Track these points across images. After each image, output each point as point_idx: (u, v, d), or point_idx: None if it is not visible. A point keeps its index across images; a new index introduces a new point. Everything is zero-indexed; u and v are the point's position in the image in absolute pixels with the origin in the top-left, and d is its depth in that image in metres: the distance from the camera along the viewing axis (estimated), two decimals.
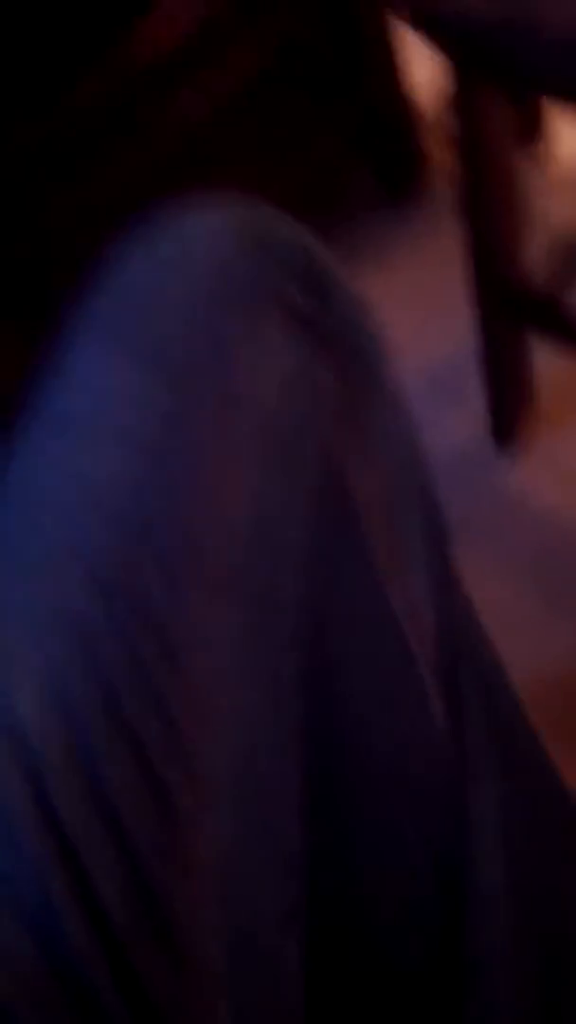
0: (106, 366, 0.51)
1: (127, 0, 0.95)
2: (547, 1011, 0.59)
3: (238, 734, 0.46)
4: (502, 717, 0.64)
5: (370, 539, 0.54)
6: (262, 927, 0.47)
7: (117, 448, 0.48)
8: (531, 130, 1.27)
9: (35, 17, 0.94)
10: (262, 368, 0.50)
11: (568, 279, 0.99)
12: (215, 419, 0.49)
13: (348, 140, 1.22)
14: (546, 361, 1.09)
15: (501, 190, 0.85)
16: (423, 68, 0.73)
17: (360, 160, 1.28)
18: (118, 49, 0.95)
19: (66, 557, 0.45)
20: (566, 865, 0.66)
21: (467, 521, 1.11)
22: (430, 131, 1.27)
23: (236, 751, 0.45)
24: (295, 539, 0.51)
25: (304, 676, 0.52)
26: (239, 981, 0.44)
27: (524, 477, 1.12)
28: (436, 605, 0.58)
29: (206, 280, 0.50)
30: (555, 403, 1.14)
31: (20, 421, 0.49)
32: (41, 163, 1.03)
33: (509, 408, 1.11)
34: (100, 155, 1.03)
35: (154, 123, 1.01)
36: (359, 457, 0.54)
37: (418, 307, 1.25)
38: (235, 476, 0.48)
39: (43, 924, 0.39)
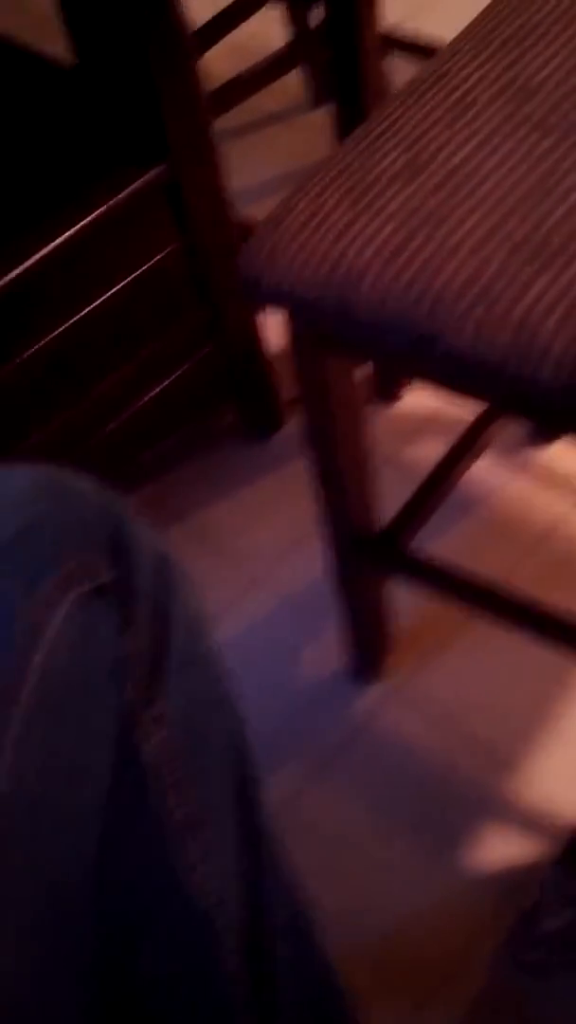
0: None
1: None
2: None
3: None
4: (309, 972, 0.62)
5: (163, 798, 0.53)
6: None
7: None
8: (385, 377, 1.34)
9: None
10: (50, 633, 0.49)
11: (415, 521, 1.02)
12: None
13: (210, 378, 1.26)
14: (403, 596, 1.12)
15: (347, 438, 0.89)
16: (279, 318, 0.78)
17: (222, 396, 1.32)
18: None
19: None
20: None
21: (325, 755, 1.10)
22: (287, 375, 1.34)
23: None
24: (88, 799, 0.50)
25: (96, 945, 0.50)
26: None
27: (383, 711, 1.13)
28: (240, 857, 0.57)
29: (4, 542, 0.50)
30: (413, 636, 1.16)
31: None
32: None
33: (366, 641, 1.12)
34: None
35: (11, 340, 1.03)
36: (155, 717, 0.53)
37: (281, 536, 1.27)
38: (13, 753, 0.47)
39: None
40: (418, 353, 0.68)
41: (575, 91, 0.74)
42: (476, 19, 0.83)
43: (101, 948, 0.51)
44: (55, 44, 1.16)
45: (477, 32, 0.82)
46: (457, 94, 0.77)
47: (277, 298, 0.73)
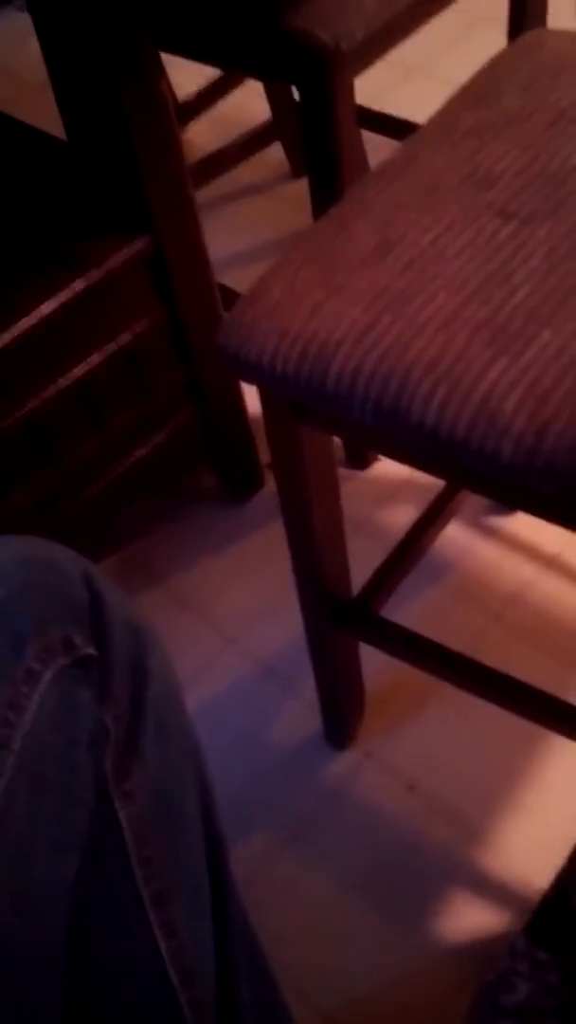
0: None
1: None
2: None
3: None
4: None
5: (135, 867, 0.54)
6: None
7: None
8: (356, 445, 1.37)
9: None
10: (32, 705, 0.50)
11: (386, 586, 1.04)
12: None
13: (189, 441, 1.28)
14: (375, 661, 1.13)
15: (320, 505, 0.91)
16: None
17: (202, 460, 1.34)
18: None
19: None
20: None
21: (297, 820, 1.11)
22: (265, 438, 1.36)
23: None
24: (65, 870, 0.51)
25: (63, 1016, 0.50)
26: None
27: (355, 777, 1.13)
28: (209, 930, 0.58)
29: None
30: (385, 701, 1.17)
31: None
32: None
33: (339, 706, 1.13)
34: None
35: None
36: (128, 791, 0.54)
37: (258, 598, 1.29)
38: None
39: None
40: (385, 428, 0.70)
41: (532, 182, 0.78)
42: (441, 110, 0.87)
43: (69, 1016, 0.52)
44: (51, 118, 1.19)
45: (442, 122, 0.85)
46: (425, 179, 0.80)
47: (252, 372, 0.75)
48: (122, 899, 0.54)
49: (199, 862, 0.58)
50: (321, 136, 1.08)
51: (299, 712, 1.19)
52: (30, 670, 0.50)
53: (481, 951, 0.99)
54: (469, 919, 1.02)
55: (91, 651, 0.53)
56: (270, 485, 1.40)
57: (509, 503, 1.21)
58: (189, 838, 0.58)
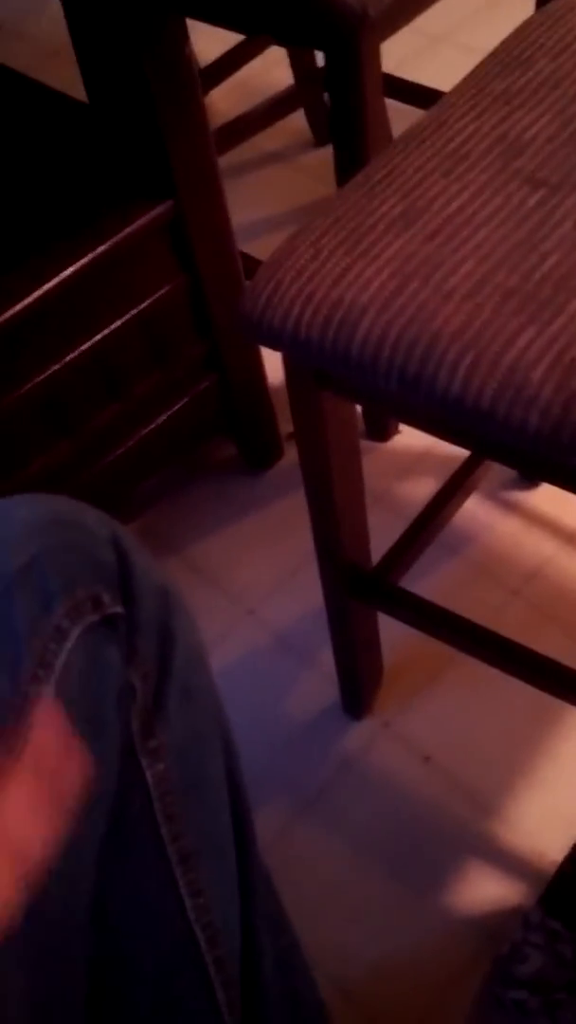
0: None
1: None
2: None
3: None
4: (299, 1004, 0.63)
5: (161, 825, 0.54)
6: None
7: None
8: (377, 416, 1.36)
9: None
10: (60, 662, 0.50)
11: (406, 558, 1.04)
12: (6, 708, 0.49)
13: (209, 411, 1.28)
14: (393, 632, 1.13)
15: (342, 475, 0.90)
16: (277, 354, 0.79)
17: (221, 430, 1.34)
18: None
19: None
20: None
21: (312, 791, 1.11)
22: (286, 408, 1.36)
23: None
24: (91, 827, 0.51)
25: (90, 975, 0.51)
26: None
27: (371, 747, 1.13)
28: (235, 890, 0.58)
29: (10, 575, 0.51)
30: (402, 672, 1.17)
31: None
32: None
33: (356, 676, 1.13)
34: None
35: (15, 370, 1.04)
36: (154, 749, 0.54)
37: (277, 568, 1.29)
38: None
39: None
40: (409, 396, 0.69)
41: (562, 148, 0.76)
42: (469, 75, 0.86)
43: (95, 976, 0.52)
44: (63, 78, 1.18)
45: (470, 87, 0.84)
46: (452, 145, 0.79)
47: (276, 339, 0.74)
48: (148, 858, 0.54)
49: (224, 824, 0.58)
50: (346, 102, 1.06)
51: (315, 683, 1.19)
52: (59, 627, 0.50)
53: (495, 923, 1.00)
54: (483, 890, 1.02)
55: (119, 609, 0.53)
56: (289, 457, 1.39)
57: (534, 474, 1.21)
58: (214, 800, 0.58)
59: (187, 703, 0.57)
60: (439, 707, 1.15)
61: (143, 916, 0.54)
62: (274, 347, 0.76)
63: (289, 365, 0.81)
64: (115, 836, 0.53)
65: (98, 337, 1.10)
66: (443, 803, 1.08)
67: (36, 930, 0.47)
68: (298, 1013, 0.62)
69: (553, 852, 1.03)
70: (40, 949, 0.47)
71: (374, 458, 1.36)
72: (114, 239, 1.05)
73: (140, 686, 0.54)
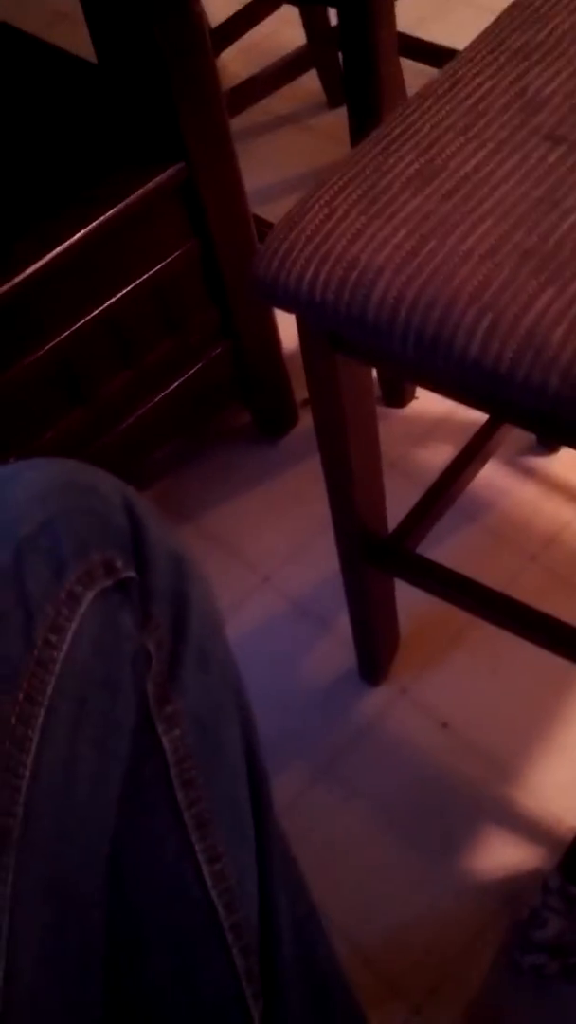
0: None
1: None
2: None
3: None
4: (317, 970, 0.63)
5: (178, 791, 0.54)
6: None
7: None
8: (394, 381, 1.35)
9: None
10: (73, 627, 0.50)
11: (423, 524, 1.03)
12: (19, 674, 0.48)
13: (223, 378, 1.27)
14: (410, 599, 1.12)
15: (357, 440, 0.89)
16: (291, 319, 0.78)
17: (235, 397, 1.33)
18: None
19: None
20: None
21: (330, 756, 1.11)
22: (300, 375, 1.35)
23: None
24: (107, 792, 0.51)
25: (106, 941, 0.51)
26: None
27: (388, 713, 1.13)
28: (253, 857, 0.58)
29: (22, 539, 0.51)
30: (419, 639, 1.17)
31: None
32: None
33: (373, 643, 1.13)
34: None
35: (25, 337, 1.04)
36: (170, 715, 0.54)
37: (292, 536, 1.28)
38: (38, 745, 0.47)
39: None
40: (427, 359, 0.68)
41: None
42: (486, 31, 0.84)
43: (110, 944, 0.52)
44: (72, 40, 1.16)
45: (487, 43, 0.82)
46: (470, 102, 0.77)
47: (290, 300, 0.73)
48: (164, 824, 0.54)
49: (241, 790, 0.58)
50: (361, 62, 1.04)
51: (332, 649, 1.18)
52: (71, 592, 0.50)
53: (513, 888, 1.00)
54: (501, 856, 1.02)
55: (132, 574, 0.53)
56: (304, 423, 1.38)
57: (553, 438, 1.19)
58: (230, 766, 0.57)
59: (203, 669, 0.56)
60: (456, 673, 1.15)
61: (159, 883, 0.54)
62: (288, 309, 0.75)
63: (303, 328, 0.79)
64: (131, 802, 0.52)
65: (109, 303, 1.08)
66: (460, 769, 1.08)
67: (50, 896, 0.47)
68: (316, 981, 0.62)
69: (571, 818, 1.03)
70: (55, 913, 0.47)
71: (390, 424, 1.35)
72: (125, 202, 1.03)
73: (155, 652, 0.54)
